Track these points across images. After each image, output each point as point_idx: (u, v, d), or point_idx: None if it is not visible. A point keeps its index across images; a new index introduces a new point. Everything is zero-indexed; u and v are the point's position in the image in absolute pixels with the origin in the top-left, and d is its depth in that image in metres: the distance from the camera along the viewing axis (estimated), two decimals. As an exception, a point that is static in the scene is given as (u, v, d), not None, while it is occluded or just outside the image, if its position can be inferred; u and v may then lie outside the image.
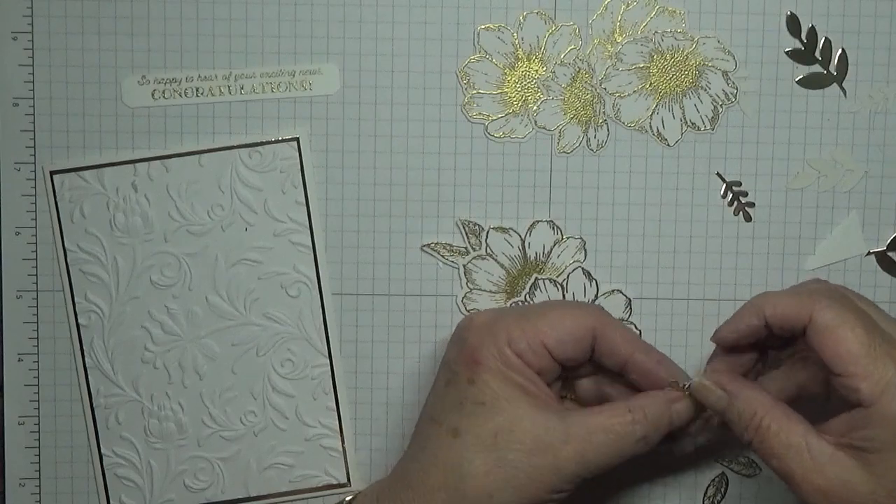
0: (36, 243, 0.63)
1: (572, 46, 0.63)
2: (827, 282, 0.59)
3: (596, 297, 0.64)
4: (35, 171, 0.63)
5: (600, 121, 0.63)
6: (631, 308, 0.64)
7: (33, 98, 0.63)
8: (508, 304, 0.63)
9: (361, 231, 0.64)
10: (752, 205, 0.64)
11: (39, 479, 0.64)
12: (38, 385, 0.64)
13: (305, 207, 0.63)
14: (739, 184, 0.64)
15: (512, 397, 0.56)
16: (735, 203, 0.64)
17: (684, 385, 0.58)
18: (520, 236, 0.64)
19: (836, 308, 0.53)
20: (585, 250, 0.64)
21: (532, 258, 0.64)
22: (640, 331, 0.64)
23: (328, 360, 0.64)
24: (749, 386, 0.55)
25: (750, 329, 0.55)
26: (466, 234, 0.64)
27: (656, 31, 0.63)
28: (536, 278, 0.64)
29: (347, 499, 0.61)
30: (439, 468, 0.56)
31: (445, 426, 0.57)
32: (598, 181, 0.63)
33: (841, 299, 0.54)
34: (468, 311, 0.63)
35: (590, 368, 0.60)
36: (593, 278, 0.64)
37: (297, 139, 0.63)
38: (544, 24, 0.63)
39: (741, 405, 0.54)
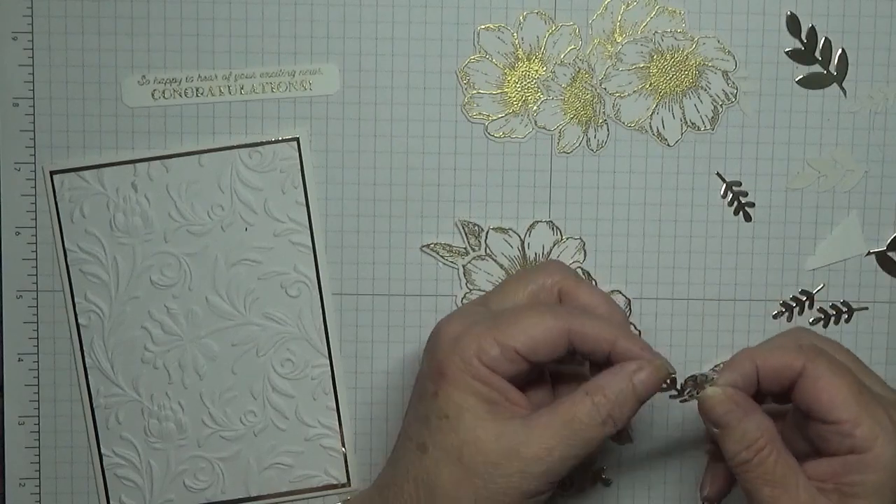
0: (36, 243, 0.63)
1: (572, 46, 0.63)
2: (810, 331, 0.59)
3: (596, 297, 0.64)
4: (35, 171, 0.63)
5: (600, 121, 0.63)
6: (631, 308, 0.64)
7: (33, 98, 0.63)
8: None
9: (361, 231, 0.64)
10: (752, 205, 0.64)
11: (39, 479, 0.64)
12: (38, 385, 0.64)
13: (305, 207, 0.63)
14: (739, 184, 0.63)
15: (476, 409, 0.55)
16: (735, 203, 0.64)
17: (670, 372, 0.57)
18: (519, 237, 0.64)
19: (825, 359, 0.55)
20: (585, 251, 0.64)
21: (532, 259, 0.64)
22: (639, 331, 0.64)
23: (328, 360, 0.64)
24: (759, 409, 0.55)
25: (744, 380, 0.55)
26: (466, 234, 0.64)
27: (656, 31, 0.63)
28: (536, 278, 0.64)
29: None
30: (411, 483, 0.57)
31: (415, 441, 0.57)
32: (598, 181, 0.63)
33: (826, 353, 0.55)
34: None
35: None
36: (593, 279, 0.64)
37: (297, 139, 0.63)
38: (544, 24, 0.63)
39: (750, 425, 0.54)
